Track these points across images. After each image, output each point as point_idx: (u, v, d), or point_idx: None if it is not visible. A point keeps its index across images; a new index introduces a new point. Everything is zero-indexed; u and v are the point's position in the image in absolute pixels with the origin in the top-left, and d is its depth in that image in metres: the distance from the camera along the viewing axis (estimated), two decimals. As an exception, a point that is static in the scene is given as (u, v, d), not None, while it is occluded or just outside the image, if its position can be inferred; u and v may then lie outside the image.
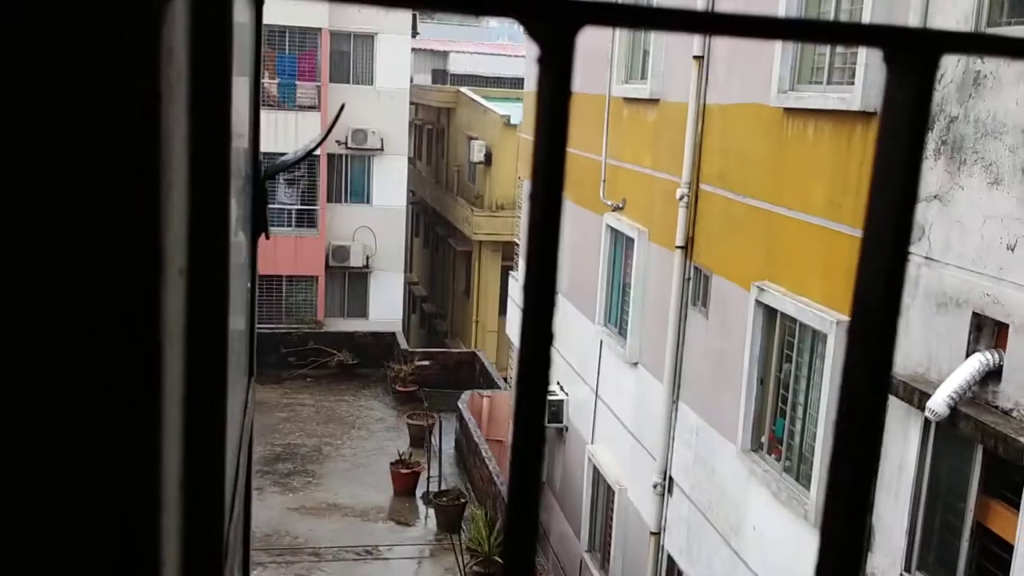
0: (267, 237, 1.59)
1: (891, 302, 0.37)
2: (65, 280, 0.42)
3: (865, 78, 7.48)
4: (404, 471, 18.14)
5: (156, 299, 0.42)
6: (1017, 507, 5.92)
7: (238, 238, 1.18)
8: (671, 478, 11.15)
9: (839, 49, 8.26)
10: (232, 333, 1.03)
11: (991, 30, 6.33)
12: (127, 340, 0.42)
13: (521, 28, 0.38)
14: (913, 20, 6.91)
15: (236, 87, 1.27)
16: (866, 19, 7.48)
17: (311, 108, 25.89)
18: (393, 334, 26.13)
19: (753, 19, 0.33)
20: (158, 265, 0.41)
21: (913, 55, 0.34)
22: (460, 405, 19.88)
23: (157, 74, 0.39)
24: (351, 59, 26.74)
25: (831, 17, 8.29)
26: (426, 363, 23.59)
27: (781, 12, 8.73)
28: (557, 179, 0.36)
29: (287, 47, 25.89)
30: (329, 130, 2.58)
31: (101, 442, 0.43)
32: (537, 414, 0.40)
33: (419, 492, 18.20)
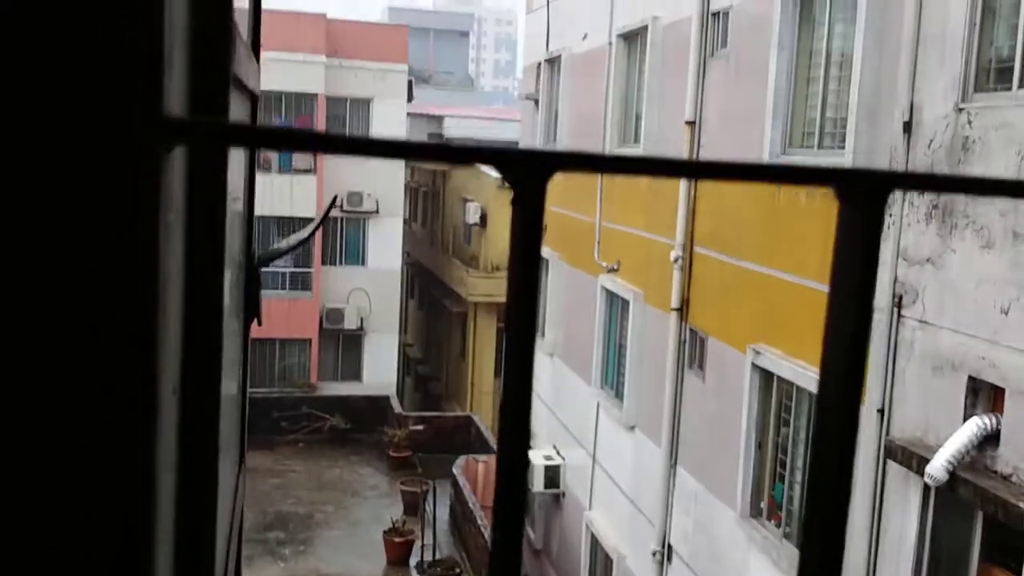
0: (259, 323, 1.60)
1: (847, 433, 0.39)
2: (64, 408, 0.43)
3: (856, 142, 7.60)
4: (397, 540, 17.88)
5: (151, 421, 0.43)
6: (1018, 574, 5.86)
7: (231, 327, 1.19)
8: (670, 545, 11.02)
9: (829, 113, 8.40)
10: (226, 426, 1.03)
11: (978, 96, 6.45)
12: (121, 463, 0.43)
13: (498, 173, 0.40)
14: (901, 90, 7.04)
15: (232, 172, 1.30)
16: (854, 89, 7.61)
17: (307, 172, 26.13)
18: (387, 397, 25.97)
19: (703, 164, 0.36)
20: (153, 393, 0.43)
21: (862, 194, 0.37)
22: (455, 470, 19.69)
23: (155, 222, 0.41)
24: (347, 124, 27.09)
25: (823, 57, 8.42)
26: (420, 427, 23.40)
27: (773, 57, 8.86)
28: (530, 311, 0.38)
29: (284, 112, 26.23)
30: (321, 221, 2.62)
31: (92, 567, 0.44)
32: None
33: (413, 561, 17.91)
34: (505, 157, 0.34)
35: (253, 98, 1.42)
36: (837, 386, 0.42)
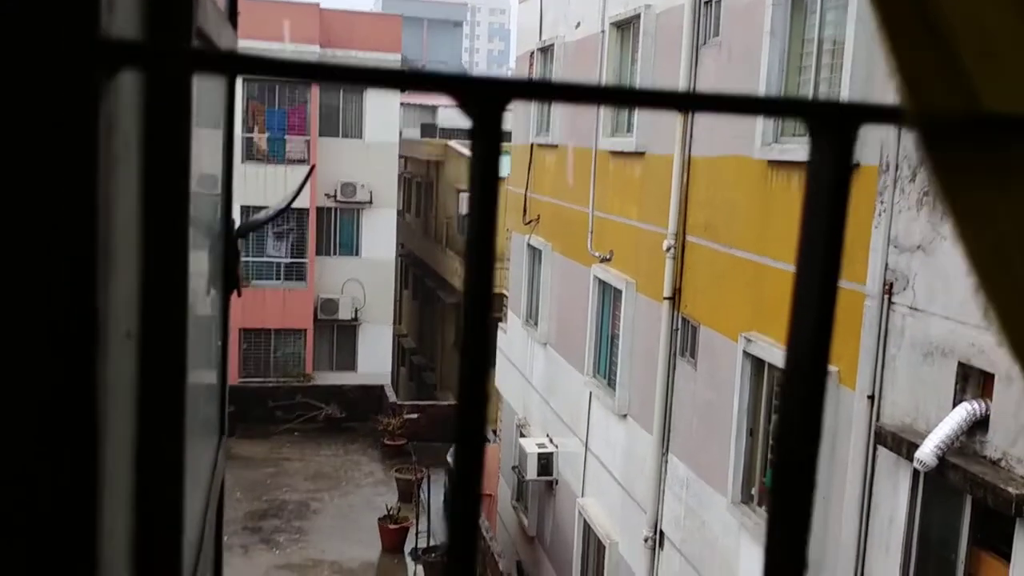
0: (239, 294, 1.59)
1: (817, 373, 0.38)
2: None
3: (846, 131, 7.58)
4: (392, 526, 17.93)
5: (91, 363, 0.42)
6: (1008, 559, 5.89)
7: (210, 295, 1.18)
8: (662, 531, 11.05)
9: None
10: (199, 391, 1.02)
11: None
12: (62, 403, 0.42)
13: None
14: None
15: (207, 148, 1.28)
16: (845, 76, 7.59)
17: (301, 162, 26.05)
18: (382, 387, 26.00)
19: (670, 94, 0.35)
20: (94, 331, 0.41)
21: (833, 127, 0.36)
22: (449, 458, 19.72)
23: (95, 148, 0.40)
24: (340, 113, 26.99)
25: (814, 46, 8.40)
26: (415, 416, 23.45)
27: (765, 43, 8.86)
28: (489, 243, 0.37)
29: (277, 102, 26.13)
30: (299, 189, 2.60)
31: (34, 504, 0.43)
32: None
33: (408, 548, 17.97)
34: (460, 85, 0.33)
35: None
36: (807, 333, 0.41)
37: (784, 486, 0.43)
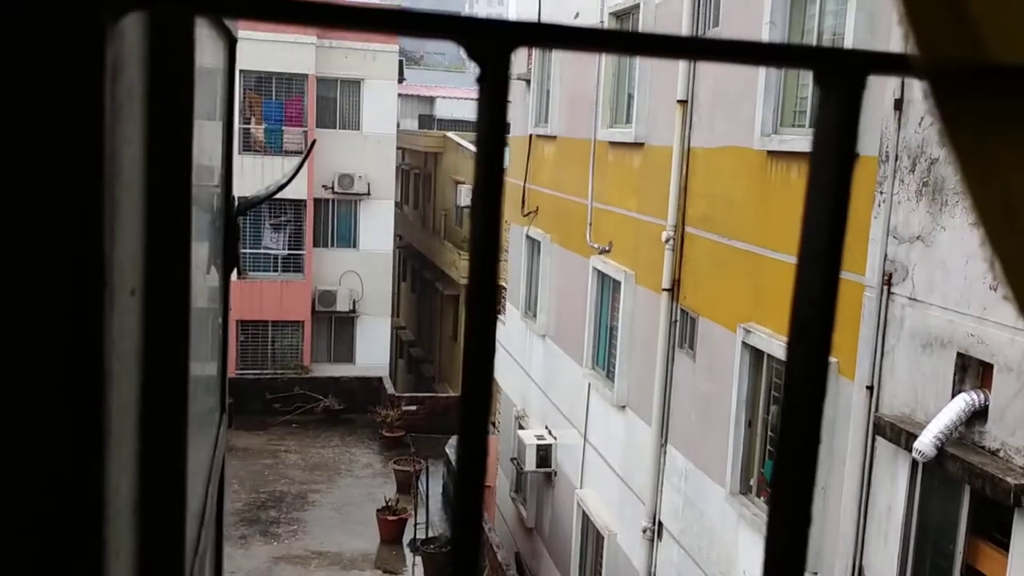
0: (239, 275, 1.59)
1: (825, 315, 0.38)
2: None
3: (845, 121, 7.56)
4: (391, 518, 17.96)
5: (99, 315, 0.41)
6: (1006, 549, 5.90)
7: (211, 276, 1.18)
8: (660, 523, 11.07)
9: (820, 93, 8.37)
10: (202, 368, 1.02)
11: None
12: (67, 357, 0.42)
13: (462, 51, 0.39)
14: (895, 37, 7.00)
15: (208, 128, 1.28)
16: (848, 37, 7.55)
17: (298, 153, 26.01)
18: (380, 379, 26.02)
19: (681, 40, 0.35)
20: (100, 282, 0.41)
21: (841, 76, 0.36)
22: (447, 450, 19.75)
23: (101, 91, 0.39)
24: (338, 105, 26.95)
25: (814, 37, 8.39)
26: (413, 408, 23.48)
27: (765, 34, 8.85)
28: (496, 190, 0.37)
29: (274, 93, 26.08)
30: (301, 163, 2.60)
31: (40, 456, 0.43)
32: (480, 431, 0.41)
33: (406, 539, 18.00)
34: (467, 27, 0.33)
35: (231, 40, 1.40)
36: (814, 292, 0.41)
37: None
